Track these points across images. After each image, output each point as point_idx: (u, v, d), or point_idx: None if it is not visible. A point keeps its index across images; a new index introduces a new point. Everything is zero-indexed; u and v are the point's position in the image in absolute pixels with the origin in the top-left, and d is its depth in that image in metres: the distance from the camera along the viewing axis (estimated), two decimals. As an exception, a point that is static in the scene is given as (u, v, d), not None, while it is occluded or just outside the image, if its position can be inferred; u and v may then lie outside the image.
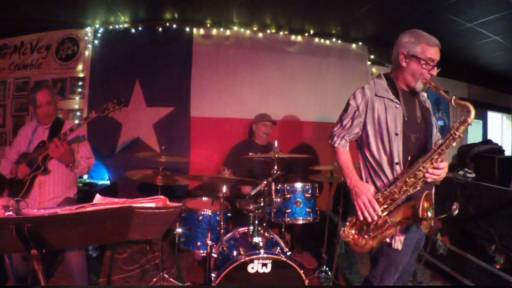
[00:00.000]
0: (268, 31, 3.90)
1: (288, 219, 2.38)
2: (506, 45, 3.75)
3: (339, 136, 1.66)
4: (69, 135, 1.99)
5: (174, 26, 3.72)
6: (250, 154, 2.93)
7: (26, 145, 2.15)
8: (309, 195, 2.43)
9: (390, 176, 1.53)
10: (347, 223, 1.58)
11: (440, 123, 4.73)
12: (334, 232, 3.14)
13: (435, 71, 1.49)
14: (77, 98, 3.70)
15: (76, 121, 2.45)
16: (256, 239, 2.03)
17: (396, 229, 1.44)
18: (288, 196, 2.39)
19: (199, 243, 2.29)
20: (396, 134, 1.50)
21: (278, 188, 2.42)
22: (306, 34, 3.98)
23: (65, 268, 2.19)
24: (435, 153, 1.41)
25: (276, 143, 2.28)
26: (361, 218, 1.51)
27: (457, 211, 1.43)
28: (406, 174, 1.46)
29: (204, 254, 2.28)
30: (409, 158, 1.51)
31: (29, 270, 2.07)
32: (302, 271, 1.90)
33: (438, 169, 1.43)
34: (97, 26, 3.72)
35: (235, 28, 3.81)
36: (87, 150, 2.27)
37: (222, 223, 2.15)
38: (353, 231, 1.55)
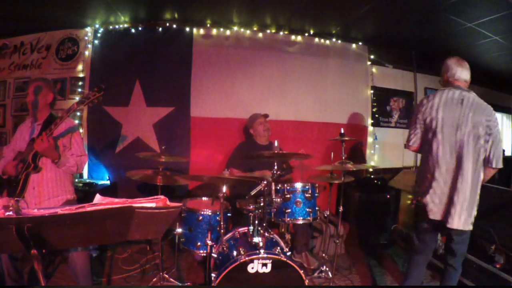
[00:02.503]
0: (268, 31, 3.90)
1: (288, 219, 2.37)
2: (506, 45, 3.75)
3: None
4: (53, 129, 1.94)
5: (174, 26, 3.72)
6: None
7: (23, 142, 2.11)
8: (309, 195, 2.42)
9: None
10: None
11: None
12: (334, 232, 3.13)
13: None
14: (77, 98, 3.69)
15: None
16: (256, 239, 2.02)
17: None
18: (288, 196, 2.38)
19: (199, 243, 2.29)
20: None
21: (278, 188, 2.42)
22: (306, 34, 3.99)
23: (69, 268, 2.18)
24: None
25: (276, 143, 2.28)
26: None
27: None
28: None
29: (204, 254, 2.27)
30: None
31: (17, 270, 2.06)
32: (302, 271, 1.90)
33: None
34: (97, 26, 3.72)
35: (235, 28, 3.81)
36: (79, 146, 2.19)
37: (222, 223, 2.14)
38: None
